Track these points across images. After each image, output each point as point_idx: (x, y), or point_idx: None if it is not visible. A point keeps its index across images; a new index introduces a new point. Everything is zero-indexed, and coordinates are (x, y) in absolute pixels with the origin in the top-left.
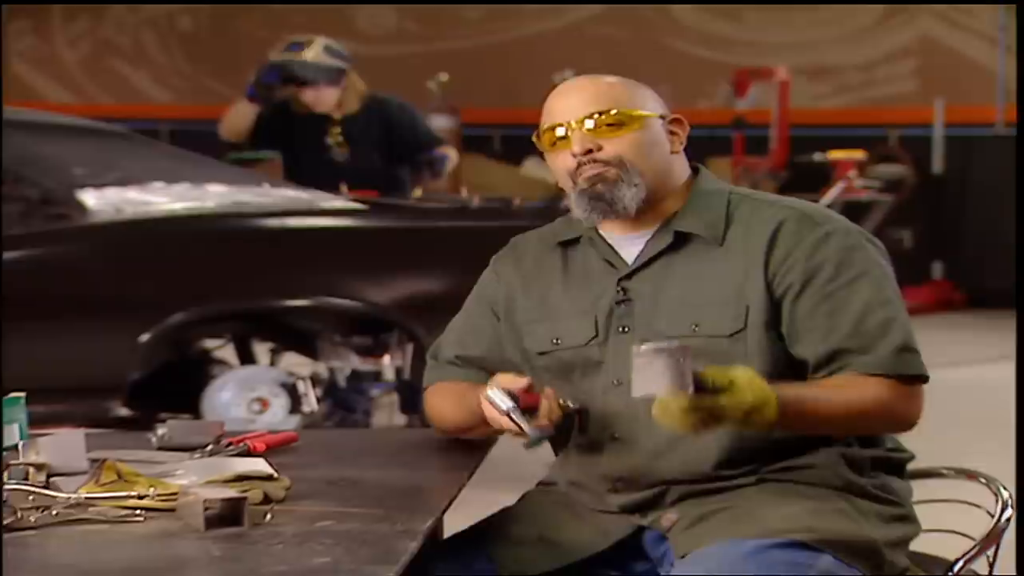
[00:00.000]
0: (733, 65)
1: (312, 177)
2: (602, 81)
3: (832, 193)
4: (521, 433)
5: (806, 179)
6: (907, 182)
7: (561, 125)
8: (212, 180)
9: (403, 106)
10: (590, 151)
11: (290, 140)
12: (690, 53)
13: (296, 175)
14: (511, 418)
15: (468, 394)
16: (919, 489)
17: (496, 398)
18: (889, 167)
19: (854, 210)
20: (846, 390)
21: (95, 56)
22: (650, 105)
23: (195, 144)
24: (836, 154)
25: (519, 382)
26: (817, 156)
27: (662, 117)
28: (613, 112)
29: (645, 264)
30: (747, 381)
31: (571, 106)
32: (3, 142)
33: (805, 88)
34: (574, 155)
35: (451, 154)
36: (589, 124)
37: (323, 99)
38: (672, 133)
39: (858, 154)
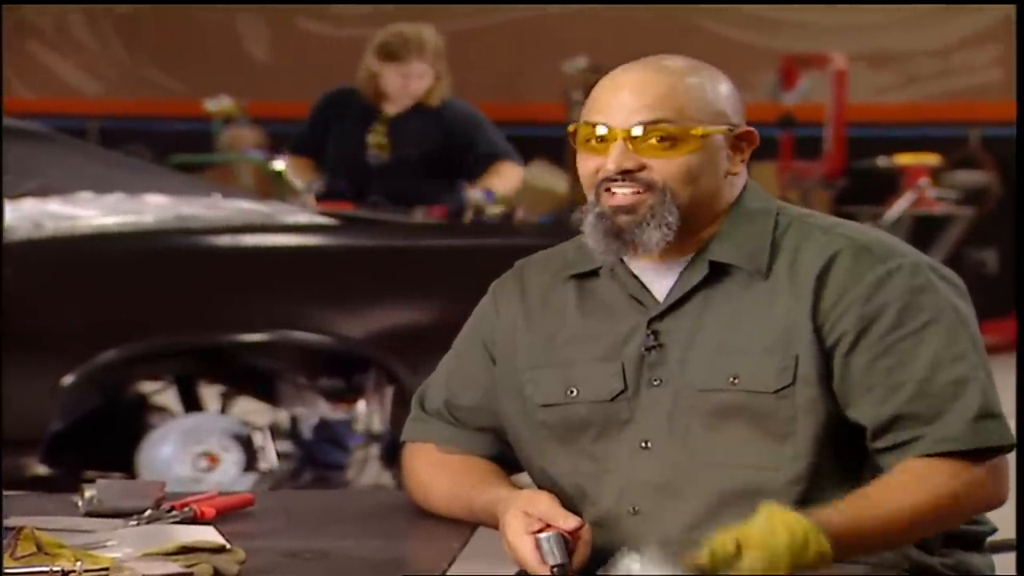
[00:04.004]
0: (780, 51)
1: (343, 179)
2: (668, 74)
3: (899, 205)
4: None
5: (868, 188)
6: (991, 192)
7: (603, 125)
8: (151, 189)
9: (467, 113)
10: (628, 171)
11: (335, 133)
12: (727, 37)
13: (332, 175)
14: (551, 572)
15: (473, 493)
16: (1004, 565)
17: (547, 547)
18: (969, 174)
19: (926, 226)
20: (911, 491)
21: (12, 41)
22: (719, 113)
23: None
24: (904, 158)
25: (568, 520)
26: (881, 160)
27: (730, 129)
28: (670, 126)
29: (679, 302)
30: (765, 529)
31: (620, 105)
32: None
33: (866, 79)
34: (607, 170)
35: (504, 181)
36: (637, 132)
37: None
38: (736, 150)
39: (931, 158)
